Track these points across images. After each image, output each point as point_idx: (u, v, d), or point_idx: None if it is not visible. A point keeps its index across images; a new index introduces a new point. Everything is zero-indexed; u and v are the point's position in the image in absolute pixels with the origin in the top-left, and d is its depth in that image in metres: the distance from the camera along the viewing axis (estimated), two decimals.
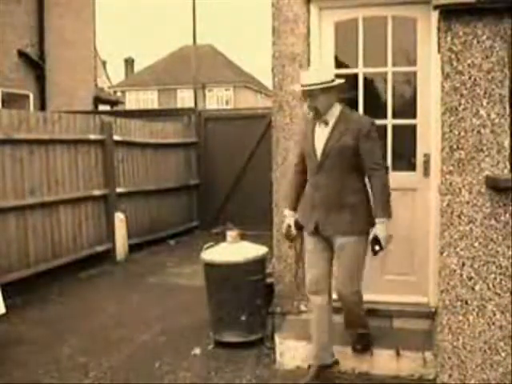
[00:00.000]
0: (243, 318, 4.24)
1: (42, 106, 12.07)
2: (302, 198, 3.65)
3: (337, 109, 3.47)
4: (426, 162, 4.06)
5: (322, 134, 3.46)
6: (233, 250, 4.28)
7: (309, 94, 3.40)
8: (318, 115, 3.45)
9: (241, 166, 9.57)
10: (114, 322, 5.02)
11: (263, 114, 9.31)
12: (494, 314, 3.15)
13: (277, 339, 3.99)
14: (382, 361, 3.73)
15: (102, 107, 15.87)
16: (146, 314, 4.67)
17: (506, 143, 3.11)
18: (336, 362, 3.70)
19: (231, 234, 4.33)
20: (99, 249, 7.30)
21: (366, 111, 4.17)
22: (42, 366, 4.10)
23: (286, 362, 3.93)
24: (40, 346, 4.46)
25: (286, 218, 3.71)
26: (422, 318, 4.03)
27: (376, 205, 3.40)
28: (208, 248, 4.42)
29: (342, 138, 3.39)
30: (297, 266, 4.14)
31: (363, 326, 3.74)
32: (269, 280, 4.45)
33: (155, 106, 34.33)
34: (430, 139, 3.99)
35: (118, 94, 33.76)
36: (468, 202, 3.16)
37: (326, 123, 3.46)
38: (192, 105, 11.35)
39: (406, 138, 4.19)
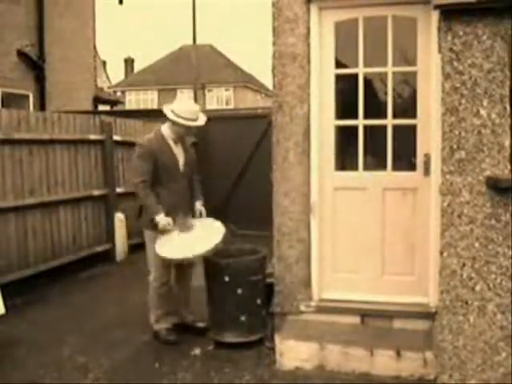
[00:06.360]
0: (243, 318, 4.24)
1: (41, 106, 12.08)
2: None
3: None
4: (427, 162, 4.05)
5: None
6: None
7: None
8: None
9: (241, 166, 9.56)
10: (114, 322, 5.02)
11: (263, 114, 9.29)
12: (495, 315, 3.15)
13: (277, 339, 3.99)
14: (383, 361, 3.73)
15: (101, 107, 15.89)
16: (145, 314, 4.66)
17: (507, 143, 3.11)
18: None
19: None
20: (99, 249, 7.29)
21: (366, 111, 4.16)
22: (41, 366, 4.09)
23: (285, 363, 3.92)
24: (40, 346, 4.46)
25: None
26: (423, 318, 4.02)
27: None
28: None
29: None
30: None
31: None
32: (269, 280, 4.44)
33: (155, 106, 34.31)
34: (430, 139, 3.99)
35: (118, 94, 33.79)
36: (468, 202, 3.17)
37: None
38: None
39: (406, 138, 4.19)
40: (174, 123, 4.31)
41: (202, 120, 4.39)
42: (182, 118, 4.26)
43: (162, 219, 4.25)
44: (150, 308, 4.57)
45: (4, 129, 5.75)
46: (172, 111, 4.29)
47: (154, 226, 4.31)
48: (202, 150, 9.76)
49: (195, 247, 4.17)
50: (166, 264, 4.37)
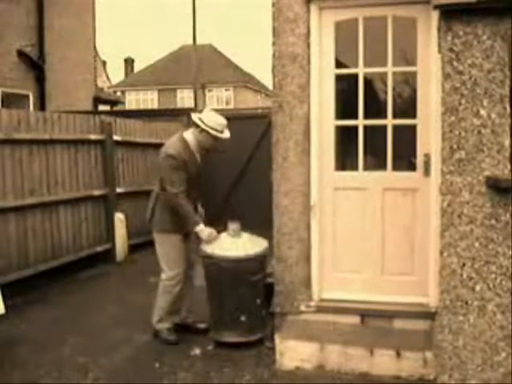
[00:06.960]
0: (243, 318, 4.24)
1: (41, 106, 12.08)
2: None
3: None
4: (427, 162, 4.06)
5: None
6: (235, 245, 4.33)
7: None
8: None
9: (241, 166, 9.56)
10: (114, 322, 5.02)
11: (263, 114, 9.30)
12: (495, 314, 3.15)
13: (277, 339, 3.99)
14: (383, 361, 3.73)
15: (101, 107, 15.89)
16: (145, 314, 4.66)
17: (507, 143, 3.12)
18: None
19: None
20: (99, 249, 7.29)
21: (366, 111, 4.17)
22: (41, 366, 4.10)
23: (285, 362, 3.92)
24: (40, 346, 4.46)
25: None
26: (423, 318, 4.02)
27: None
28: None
29: None
30: None
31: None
32: (269, 280, 4.45)
33: (155, 106, 34.33)
34: (430, 139, 3.99)
35: (118, 93, 33.77)
36: (468, 202, 3.17)
37: None
38: (192, 105, 11.35)
39: (406, 138, 4.19)
40: (201, 131, 4.33)
41: (227, 134, 4.43)
42: (209, 127, 4.30)
43: (203, 230, 4.29)
44: (155, 307, 4.56)
45: (4, 129, 5.75)
46: (200, 119, 4.34)
47: (169, 230, 4.36)
48: None
49: (247, 248, 4.29)
50: (184, 263, 4.42)
